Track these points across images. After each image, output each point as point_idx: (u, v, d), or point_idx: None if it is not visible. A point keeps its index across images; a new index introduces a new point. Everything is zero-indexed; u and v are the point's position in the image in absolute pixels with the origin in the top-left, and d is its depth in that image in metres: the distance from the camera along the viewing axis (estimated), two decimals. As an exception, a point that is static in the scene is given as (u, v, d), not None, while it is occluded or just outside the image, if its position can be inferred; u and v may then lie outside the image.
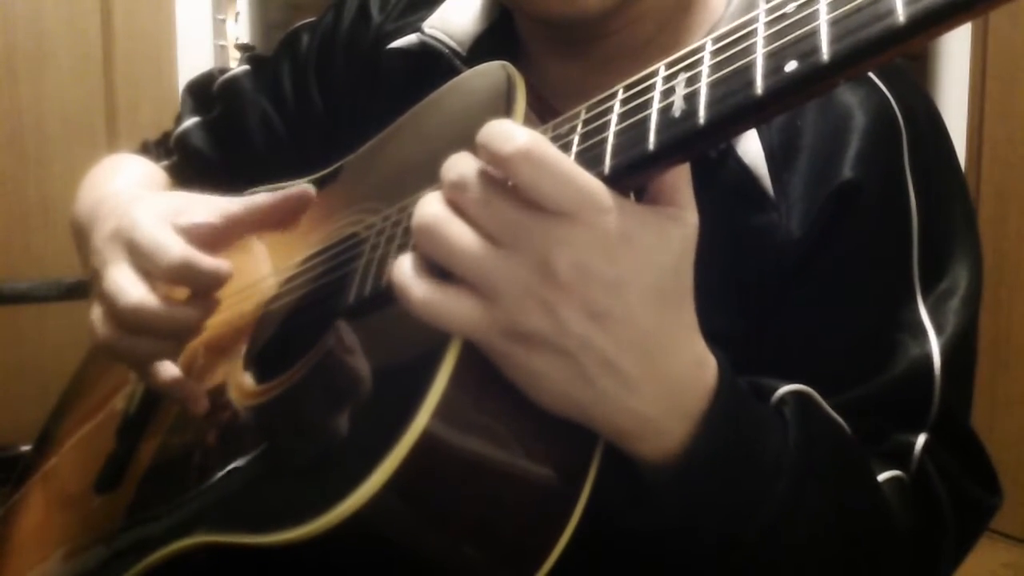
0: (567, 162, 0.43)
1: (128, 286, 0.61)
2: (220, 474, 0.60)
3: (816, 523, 0.53)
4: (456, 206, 0.45)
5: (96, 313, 0.64)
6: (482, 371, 0.47)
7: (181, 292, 0.63)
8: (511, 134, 0.43)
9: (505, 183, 0.44)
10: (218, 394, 0.66)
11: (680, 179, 0.47)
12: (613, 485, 0.51)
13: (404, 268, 0.45)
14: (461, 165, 0.45)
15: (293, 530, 0.46)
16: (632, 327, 0.45)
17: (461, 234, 0.44)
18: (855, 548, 0.56)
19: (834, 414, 0.58)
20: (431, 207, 0.45)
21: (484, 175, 0.44)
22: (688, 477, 0.49)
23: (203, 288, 0.62)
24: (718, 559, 0.51)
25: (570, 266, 0.43)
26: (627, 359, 0.45)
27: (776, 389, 0.55)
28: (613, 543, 0.55)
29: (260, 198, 0.65)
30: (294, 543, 0.46)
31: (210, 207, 0.65)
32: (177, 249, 0.60)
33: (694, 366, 0.49)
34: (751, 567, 0.52)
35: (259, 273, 0.73)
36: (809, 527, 0.52)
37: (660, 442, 0.49)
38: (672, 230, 0.46)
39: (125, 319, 0.61)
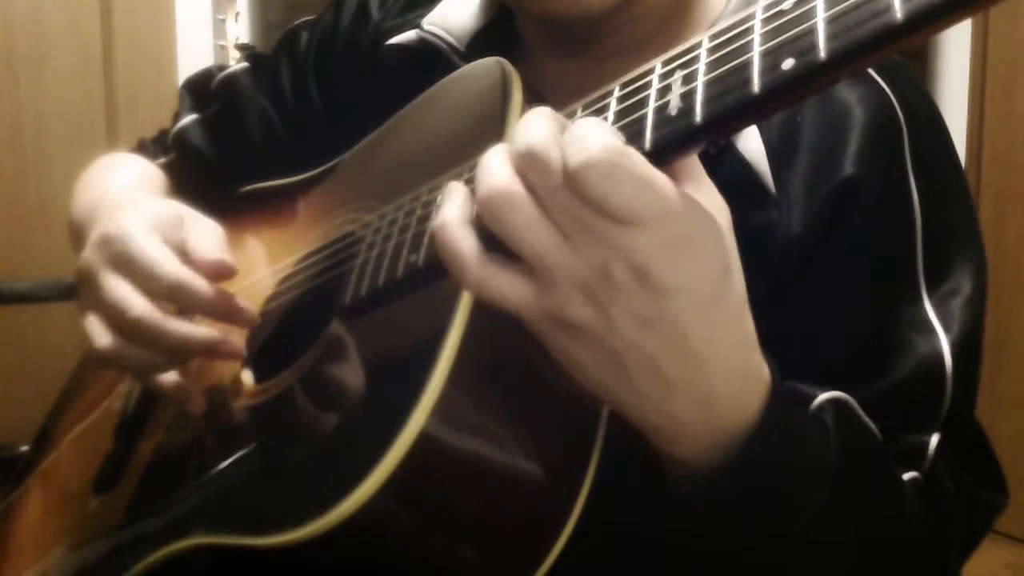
0: (642, 170, 0.41)
1: (131, 297, 0.61)
2: (218, 474, 0.60)
3: (849, 531, 0.53)
4: (524, 178, 0.42)
5: (93, 321, 0.63)
6: (479, 371, 0.46)
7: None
8: (587, 141, 0.40)
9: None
10: (215, 394, 0.66)
11: (694, 167, 0.46)
12: (640, 482, 0.51)
13: (458, 235, 0.44)
14: (535, 134, 0.42)
15: (291, 532, 0.46)
16: (681, 334, 0.44)
17: (531, 217, 0.42)
18: (881, 552, 0.56)
19: (869, 421, 0.58)
20: (501, 173, 0.43)
21: (555, 155, 0.42)
22: (721, 485, 0.48)
23: (193, 308, 0.62)
24: (749, 564, 0.51)
25: (629, 270, 0.42)
26: (671, 364, 0.45)
27: (814, 396, 0.55)
28: (616, 540, 0.55)
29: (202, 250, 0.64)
30: (292, 545, 0.46)
31: (200, 226, 0.66)
32: (170, 269, 0.61)
33: (743, 380, 0.48)
34: (780, 569, 0.52)
35: (256, 272, 0.73)
36: (842, 535, 0.53)
37: (690, 445, 0.48)
38: (718, 225, 0.45)
39: (132, 330, 0.61)
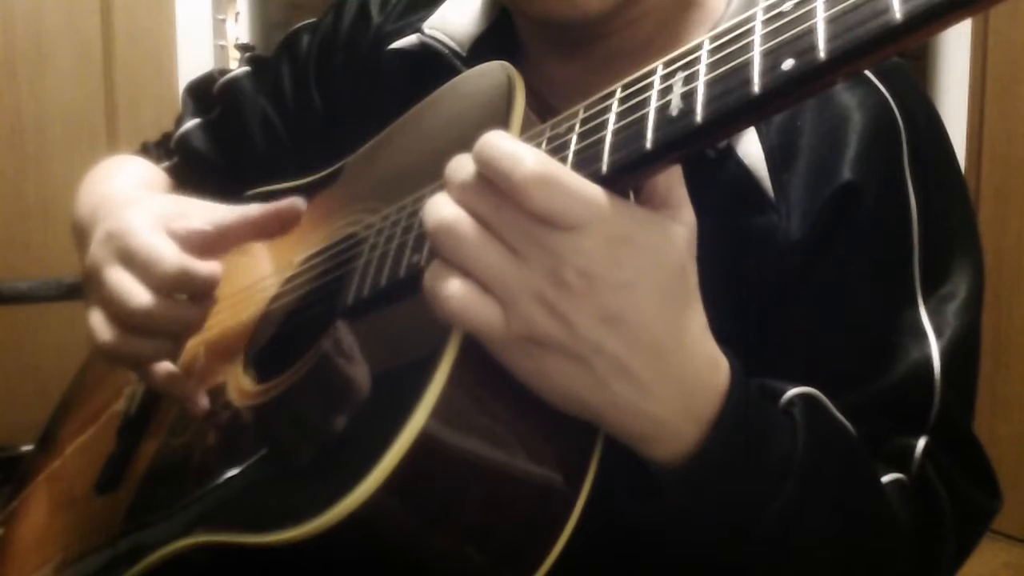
0: (575, 180, 0.44)
1: (134, 289, 0.61)
2: (219, 474, 0.60)
3: (822, 524, 0.53)
4: (468, 208, 0.45)
5: (97, 317, 0.64)
6: (480, 371, 0.47)
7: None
8: (519, 158, 0.43)
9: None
10: (218, 394, 0.66)
11: (673, 179, 0.47)
12: (621, 482, 0.51)
13: (432, 267, 0.46)
14: (465, 167, 0.45)
15: (292, 530, 0.46)
16: (642, 329, 0.45)
17: (479, 239, 0.44)
18: (858, 550, 0.56)
19: (840, 417, 0.58)
20: (446, 208, 0.45)
21: (489, 180, 0.44)
22: (698, 477, 0.49)
23: (199, 293, 0.62)
24: (723, 557, 0.52)
25: (579, 275, 0.44)
26: (639, 362, 0.46)
27: (784, 391, 0.56)
28: (617, 540, 0.55)
29: (251, 209, 0.65)
30: (293, 543, 0.46)
31: (204, 214, 0.66)
32: (172, 257, 0.61)
33: (706, 367, 0.49)
34: (756, 566, 0.52)
35: (259, 273, 0.73)
36: (815, 528, 0.53)
37: (672, 444, 0.49)
38: (673, 228, 0.46)
39: (135, 321, 0.61)
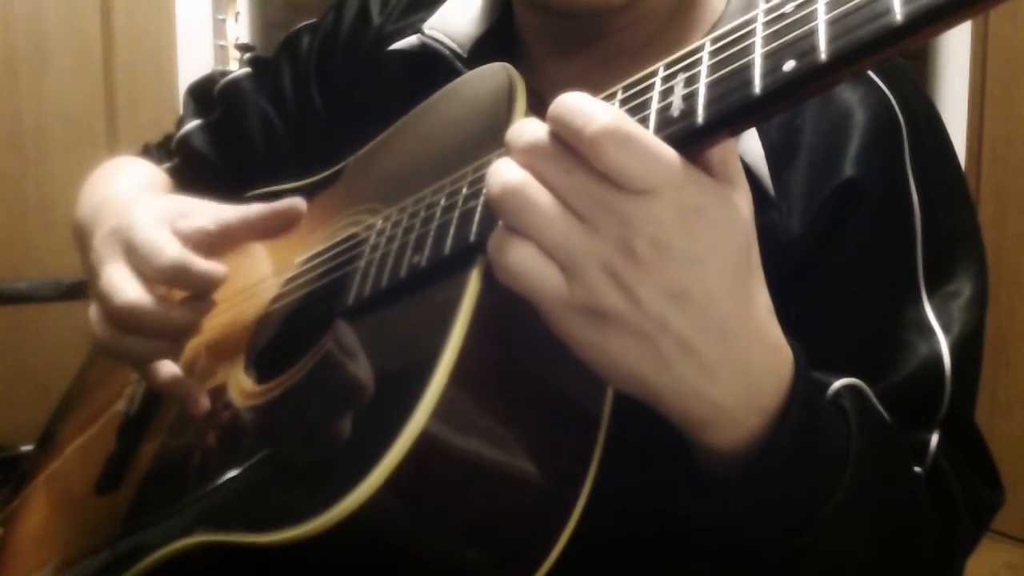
0: (652, 139, 0.42)
1: (123, 285, 0.61)
2: (220, 474, 0.60)
3: (872, 514, 0.53)
4: (535, 172, 0.43)
5: (94, 313, 0.64)
6: (481, 371, 0.47)
7: (179, 293, 0.63)
8: (592, 112, 0.41)
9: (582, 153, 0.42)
10: (218, 394, 0.66)
11: (729, 151, 0.45)
12: (671, 475, 0.50)
13: (495, 233, 0.44)
14: (533, 130, 0.44)
15: (292, 529, 0.46)
16: (710, 308, 0.43)
17: (547, 204, 0.42)
18: (894, 538, 0.56)
19: (881, 408, 0.58)
20: (511, 172, 0.43)
21: (560, 143, 0.43)
22: (762, 469, 0.48)
23: (197, 290, 0.62)
24: (781, 549, 0.51)
25: (649, 245, 0.42)
26: (705, 342, 0.44)
27: (830, 382, 0.55)
28: (645, 536, 0.55)
29: (253, 208, 0.65)
30: (293, 542, 0.46)
31: (208, 213, 0.66)
32: (172, 251, 0.61)
33: (772, 353, 0.48)
34: (810, 558, 0.52)
35: (260, 273, 0.74)
36: (866, 518, 0.52)
37: (733, 432, 0.48)
38: (741, 202, 0.45)
39: (119, 318, 0.61)
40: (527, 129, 0.44)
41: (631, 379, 0.45)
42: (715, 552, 0.53)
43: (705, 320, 0.44)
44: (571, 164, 0.42)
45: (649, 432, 0.49)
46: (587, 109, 0.41)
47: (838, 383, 0.55)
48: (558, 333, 0.45)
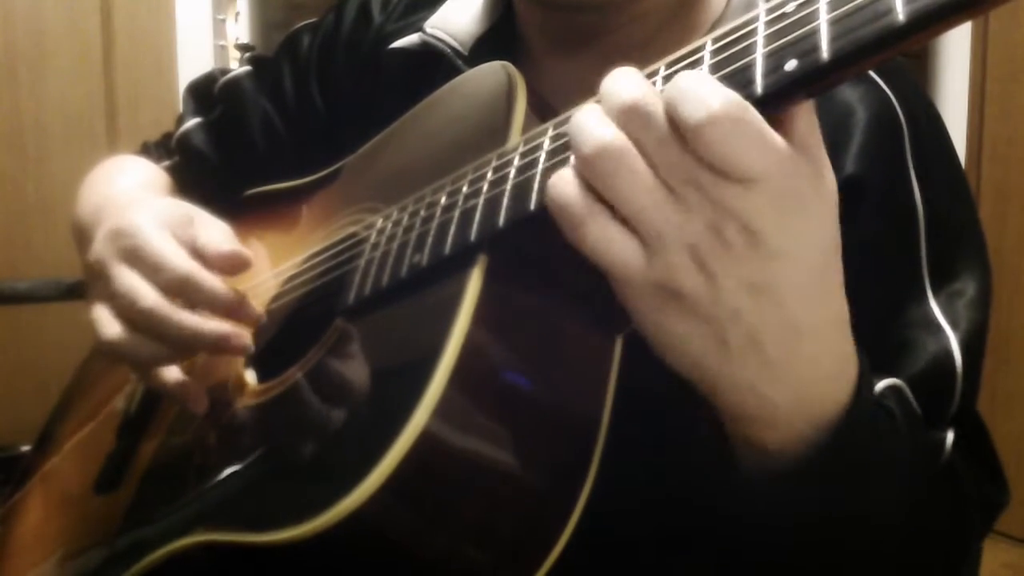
0: (765, 127, 0.39)
1: (143, 287, 0.61)
2: (220, 473, 0.60)
3: (911, 516, 0.53)
4: (631, 134, 0.40)
5: (101, 312, 0.64)
6: (482, 371, 0.47)
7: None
8: (705, 96, 0.38)
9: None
10: (218, 393, 0.66)
11: (813, 120, 0.42)
12: (703, 468, 0.49)
13: (570, 190, 0.42)
14: (633, 88, 0.41)
15: (292, 529, 0.46)
16: (786, 306, 0.42)
17: (643, 173, 0.40)
18: (922, 535, 0.56)
19: (917, 407, 0.57)
20: (607, 131, 0.40)
21: (658, 109, 0.40)
22: (807, 473, 0.47)
23: (202, 305, 0.62)
24: (808, 551, 0.51)
25: (740, 232, 0.40)
26: (774, 339, 0.43)
27: (874, 382, 0.54)
28: (690, 536, 0.54)
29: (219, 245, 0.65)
30: (293, 542, 0.46)
31: (208, 223, 0.66)
32: (181, 264, 0.61)
33: (838, 362, 0.47)
34: (846, 560, 0.51)
35: (260, 273, 0.74)
36: (907, 520, 0.52)
37: (782, 432, 0.46)
38: (832, 189, 0.43)
39: (140, 320, 0.61)
40: (626, 85, 0.41)
41: (689, 363, 0.44)
42: (733, 550, 0.53)
43: (779, 317, 0.42)
44: (669, 136, 0.40)
45: (673, 423, 0.48)
46: (699, 92, 0.39)
47: (882, 384, 0.55)
48: (625, 304, 0.43)
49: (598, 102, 0.42)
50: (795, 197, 0.41)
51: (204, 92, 0.94)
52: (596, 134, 0.41)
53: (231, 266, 0.63)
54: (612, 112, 0.41)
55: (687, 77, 0.39)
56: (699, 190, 0.40)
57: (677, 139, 0.40)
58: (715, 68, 0.43)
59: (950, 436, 0.62)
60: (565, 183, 0.42)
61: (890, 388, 0.55)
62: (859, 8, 0.38)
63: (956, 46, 2.55)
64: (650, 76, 0.46)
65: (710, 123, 0.38)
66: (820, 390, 0.46)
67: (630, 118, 0.40)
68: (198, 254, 0.63)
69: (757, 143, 0.39)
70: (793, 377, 0.44)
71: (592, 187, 0.41)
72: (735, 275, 0.41)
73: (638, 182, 0.40)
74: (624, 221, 0.41)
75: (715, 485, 0.50)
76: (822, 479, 0.47)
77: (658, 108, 0.40)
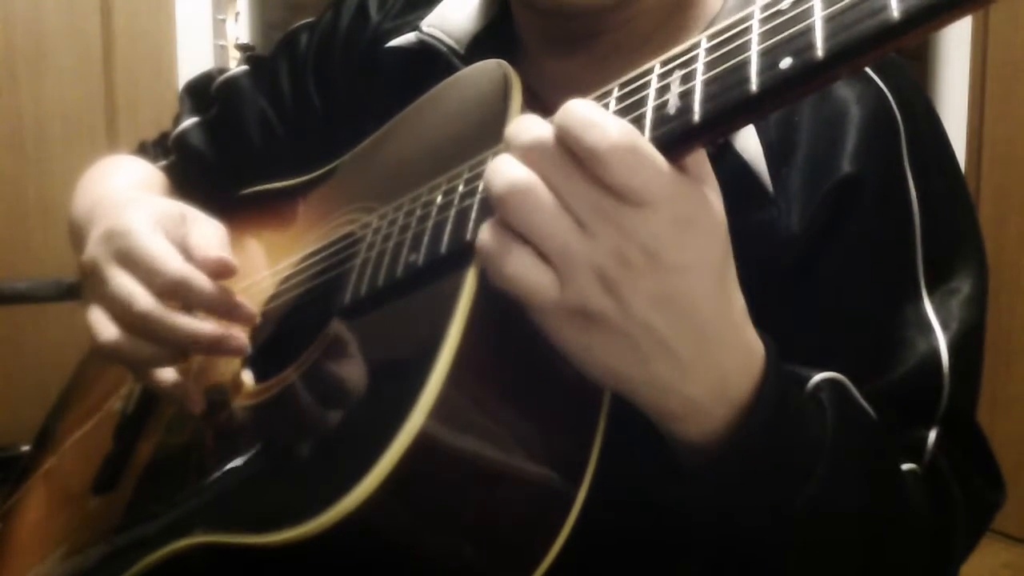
0: (653, 154, 0.43)
1: (138, 290, 0.61)
2: (217, 473, 0.60)
3: (850, 507, 0.54)
4: (539, 172, 0.44)
5: (97, 315, 0.64)
6: (479, 371, 0.46)
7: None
8: (605, 127, 0.42)
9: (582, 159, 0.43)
10: (216, 393, 0.66)
11: (701, 154, 0.46)
12: (653, 464, 0.51)
13: (485, 230, 0.45)
14: (537, 129, 0.44)
15: (290, 530, 0.46)
16: (692, 311, 0.45)
17: (552, 208, 0.43)
18: (881, 534, 0.56)
19: (864, 402, 0.58)
20: (517, 171, 0.44)
21: (564, 147, 0.43)
22: (730, 459, 0.50)
23: (196, 306, 0.62)
24: (753, 540, 0.52)
25: (642, 253, 0.43)
26: (683, 343, 0.46)
27: (810, 376, 0.57)
28: (633, 531, 0.55)
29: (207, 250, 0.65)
30: (292, 543, 0.46)
31: (201, 224, 0.66)
32: (175, 265, 0.61)
33: (745, 351, 0.50)
34: (784, 549, 0.53)
35: (257, 273, 0.73)
36: (844, 510, 0.53)
37: (703, 424, 0.49)
38: (717, 204, 0.46)
39: (136, 323, 0.61)
40: (530, 128, 0.44)
41: (609, 374, 0.47)
42: (710, 545, 0.54)
43: (685, 322, 0.46)
44: (573, 170, 0.43)
45: (636, 427, 0.50)
46: (599, 123, 0.42)
47: (818, 376, 0.56)
48: (544, 331, 0.46)
49: (507, 149, 0.45)
50: (686, 217, 0.44)
51: (201, 91, 0.94)
52: (505, 174, 0.44)
53: (215, 273, 0.63)
54: (519, 153, 0.44)
55: (584, 108, 0.43)
56: (603, 216, 0.43)
57: (580, 170, 0.43)
58: (710, 66, 0.43)
59: (932, 436, 0.62)
60: (483, 226, 0.46)
61: (826, 381, 0.56)
62: (854, 5, 0.38)
63: (956, 46, 2.55)
64: (644, 75, 0.46)
65: (611, 150, 0.41)
66: (734, 378, 0.49)
67: (534, 156, 0.44)
68: (190, 255, 0.63)
69: (651, 168, 0.42)
70: (705, 373, 0.48)
71: (508, 224, 0.44)
72: (641, 291, 0.44)
73: (546, 214, 0.43)
74: (539, 254, 0.44)
75: (662, 480, 0.52)
76: (744, 459, 0.49)
77: (559, 144, 0.43)
